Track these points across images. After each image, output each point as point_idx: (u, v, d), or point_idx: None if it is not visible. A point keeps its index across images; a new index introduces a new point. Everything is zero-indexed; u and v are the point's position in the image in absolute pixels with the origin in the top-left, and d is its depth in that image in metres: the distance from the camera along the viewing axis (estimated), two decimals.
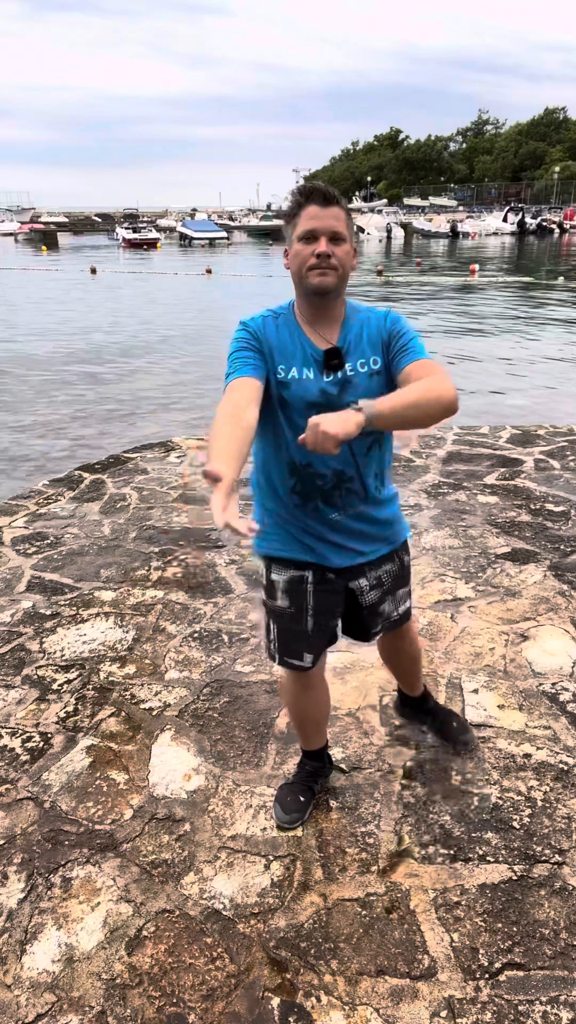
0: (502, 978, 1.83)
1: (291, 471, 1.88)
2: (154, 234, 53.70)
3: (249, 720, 2.75)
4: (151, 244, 50.15)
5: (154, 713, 2.80)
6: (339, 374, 1.81)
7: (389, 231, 59.03)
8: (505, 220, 63.28)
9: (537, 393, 10.14)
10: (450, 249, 46.70)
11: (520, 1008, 1.76)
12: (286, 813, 2.28)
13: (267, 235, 61.30)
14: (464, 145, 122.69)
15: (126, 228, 55.41)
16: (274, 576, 2.02)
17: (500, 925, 1.96)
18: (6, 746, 2.65)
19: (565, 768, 2.49)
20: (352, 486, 1.90)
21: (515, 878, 2.09)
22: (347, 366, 1.81)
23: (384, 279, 26.91)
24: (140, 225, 59.47)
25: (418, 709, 2.61)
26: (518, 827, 2.25)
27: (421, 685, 2.55)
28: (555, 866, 2.12)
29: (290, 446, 1.84)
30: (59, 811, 2.35)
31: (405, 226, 61.88)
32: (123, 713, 2.81)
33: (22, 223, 73.77)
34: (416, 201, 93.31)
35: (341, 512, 1.93)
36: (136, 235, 51.38)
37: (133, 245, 49.93)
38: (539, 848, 2.18)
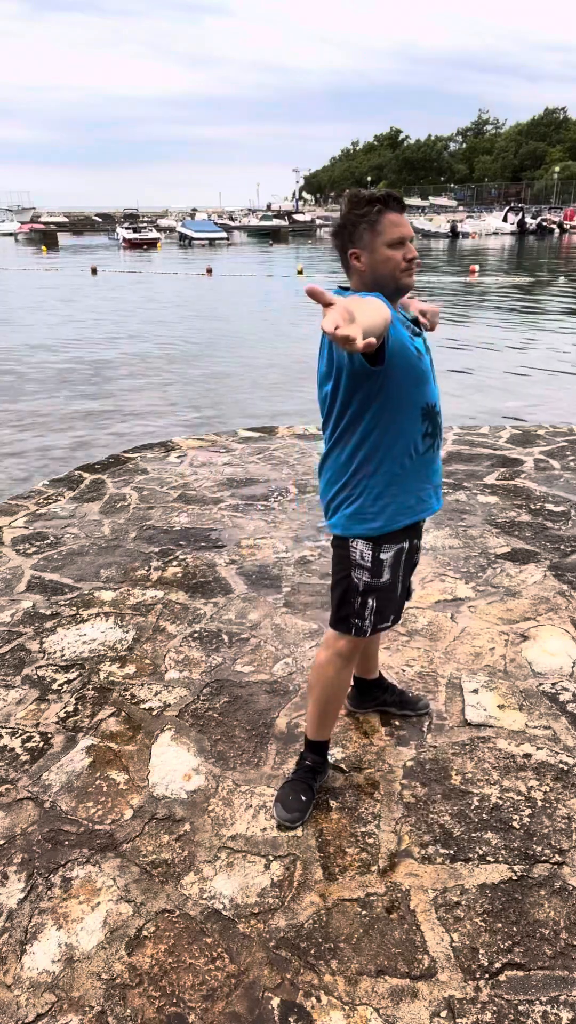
0: (502, 978, 1.83)
1: (424, 416, 2.06)
2: (154, 234, 53.72)
3: (249, 720, 2.75)
4: (151, 244, 50.17)
5: (154, 713, 2.80)
6: (421, 339, 2.08)
7: None
8: (505, 220, 63.29)
9: (537, 393, 10.15)
10: (450, 249, 46.71)
11: (520, 1008, 1.76)
12: (288, 812, 2.28)
13: (267, 235, 61.30)
14: (464, 145, 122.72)
15: (127, 228, 55.42)
16: (382, 555, 2.15)
17: (500, 925, 1.96)
18: (6, 746, 2.65)
19: (565, 768, 2.49)
20: (439, 416, 2.14)
21: (515, 878, 2.09)
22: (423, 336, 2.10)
23: None
24: (141, 225, 59.49)
25: (377, 687, 2.72)
26: (518, 827, 2.25)
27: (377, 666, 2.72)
28: (555, 866, 2.12)
29: (422, 392, 2.03)
30: (59, 811, 2.36)
31: None
32: (123, 713, 2.81)
33: (22, 223, 73.77)
34: (416, 201, 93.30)
35: (440, 447, 2.19)
36: (137, 235, 51.40)
37: (133, 245, 49.96)
38: (539, 848, 2.18)
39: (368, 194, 1.91)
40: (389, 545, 2.14)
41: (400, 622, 2.89)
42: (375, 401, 1.96)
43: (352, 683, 2.70)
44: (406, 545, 2.19)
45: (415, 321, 2.09)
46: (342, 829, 2.26)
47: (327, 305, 1.38)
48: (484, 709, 2.78)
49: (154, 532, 4.40)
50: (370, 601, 2.18)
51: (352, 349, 1.34)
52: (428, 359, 2.07)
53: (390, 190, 1.91)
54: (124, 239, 51.59)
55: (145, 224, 62.59)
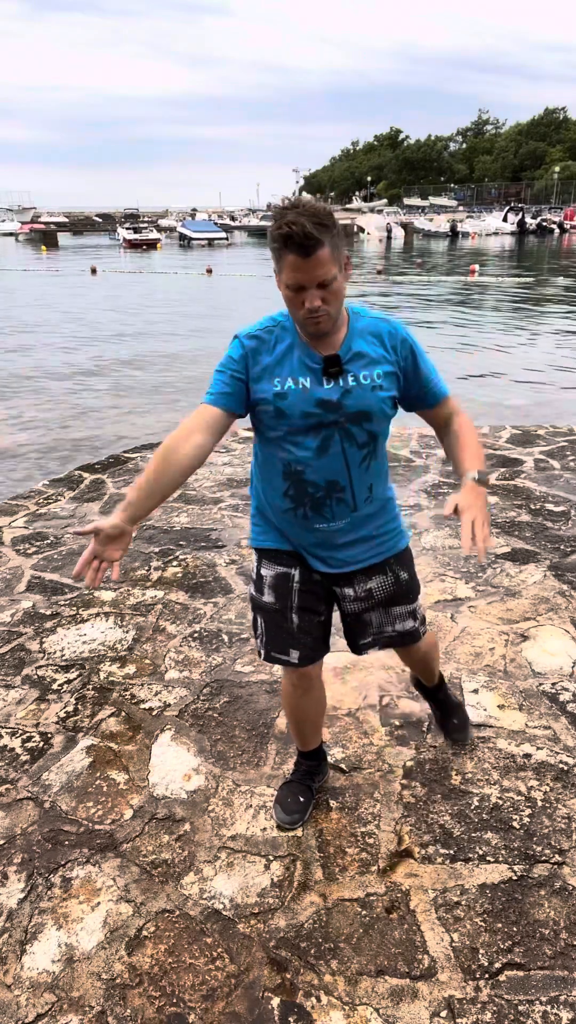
0: (502, 978, 1.83)
1: (284, 475, 1.89)
2: (155, 234, 53.70)
3: (249, 720, 2.75)
4: (151, 244, 50.16)
5: (154, 713, 2.80)
6: (340, 381, 1.79)
7: (389, 231, 59.03)
8: (505, 220, 63.29)
9: (537, 393, 10.15)
10: (450, 249, 46.72)
11: (520, 1008, 1.76)
12: (287, 813, 2.28)
13: (267, 234, 61.25)
14: (464, 145, 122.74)
15: (127, 228, 55.40)
16: (263, 571, 2.04)
17: (500, 925, 1.96)
18: (6, 746, 2.65)
19: (565, 768, 2.49)
20: (343, 496, 1.89)
21: (515, 878, 2.09)
22: (348, 375, 1.79)
23: (384, 279, 26.90)
24: (141, 225, 59.47)
25: (428, 696, 2.61)
26: (518, 827, 2.25)
27: (435, 677, 2.53)
28: (555, 866, 2.12)
29: (287, 453, 1.85)
30: (59, 811, 2.35)
31: (405, 226, 61.88)
32: (123, 713, 2.81)
33: (23, 223, 73.75)
34: (416, 201, 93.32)
35: (329, 522, 1.92)
36: (137, 235, 51.39)
37: (134, 245, 49.95)
38: (539, 848, 2.18)
39: (275, 224, 1.62)
40: (269, 563, 2.02)
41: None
42: (256, 426, 1.89)
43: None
44: (294, 573, 2.00)
45: (333, 361, 1.78)
46: (342, 829, 2.26)
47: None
48: (484, 709, 2.78)
49: (154, 532, 4.40)
50: (258, 619, 2.08)
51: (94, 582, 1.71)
52: (330, 417, 1.79)
53: (295, 224, 1.56)
54: (125, 239, 51.59)
55: (146, 224, 62.57)
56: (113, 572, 1.75)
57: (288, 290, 1.67)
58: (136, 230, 54.19)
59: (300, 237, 1.57)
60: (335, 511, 1.90)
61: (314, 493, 1.88)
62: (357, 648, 2.16)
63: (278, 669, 3.04)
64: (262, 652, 2.11)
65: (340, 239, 1.66)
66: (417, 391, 1.89)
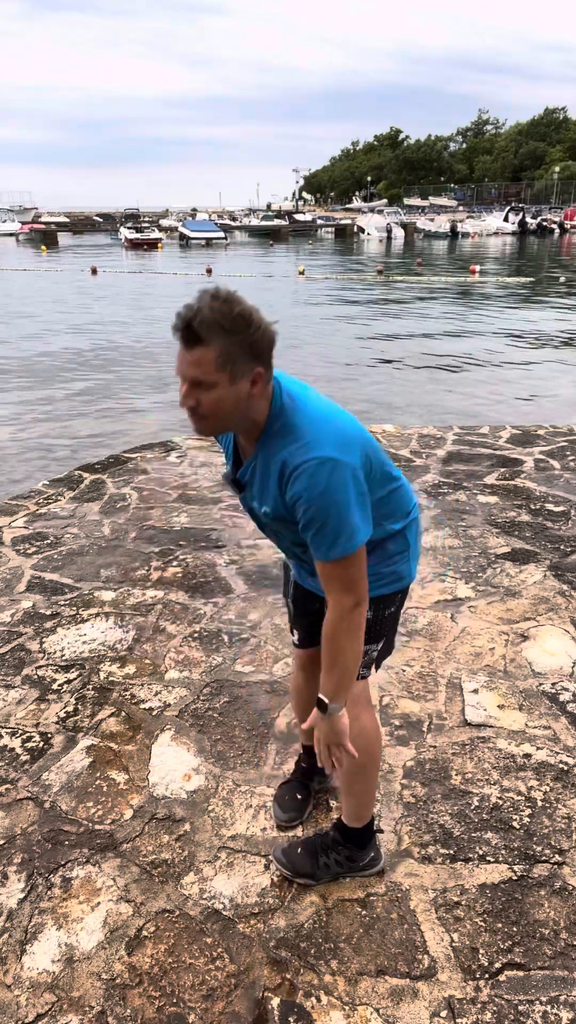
0: (502, 978, 1.83)
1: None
2: (156, 234, 53.71)
3: (249, 720, 2.75)
4: (152, 244, 50.16)
5: (154, 713, 2.80)
6: (245, 495, 1.72)
7: (389, 231, 59.05)
8: (506, 220, 63.31)
9: (537, 393, 10.15)
10: (450, 249, 46.71)
11: (520, 1008, 1.76)
12: (284, 812, 2.28)
13: (267, 235, 61.30)
14: (464, 145, 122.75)
15: (129, 228, 55.39)
16: (279, 554, 2.17)
17: (500, 925, 1.96)
18: (6, 746, 2.65)
19: (565, 768, 2.49)
20: (294, 561, 1.96)
21: (515, 878, 2.09)
22: (251, 499, 1.70)
23: (385, 279, 26.91)
24: (143, 225, 59.45)
25: (343, 837, 2.10)
26: (518, 827, 2.25)
27: (358, 816, 2.05)
28: (555, 866, 2.12)
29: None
30: (59, 811, 2.35)
31: (405, 226, 61.90)
32: (123, 713, 2.81)
33: (23, 223, 73.75)
34: (416, 201, 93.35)
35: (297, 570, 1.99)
36: (139, 235, 51.38)
37: (135, 245, 49.95)
38: (539, 848, 2.18)
39: (177, 316, 1.48)
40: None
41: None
42: None
43: None
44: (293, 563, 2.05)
45: (233, 481, 1.72)
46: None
47: None
48: (484, 709, 2.78)
49: (154, 532, 4.40)
50: None
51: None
52: (252, 513, 1.76)
53: (191, 313, 1.44)
54: (126, 239, 51.57)
55: (147, 224, 62.53)
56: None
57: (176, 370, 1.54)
58: (138, 230, 54.17)
59: (185, 329, 1.44)
60: (298, 570, 1.97)
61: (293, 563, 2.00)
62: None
63: (278, 669, 3.04)
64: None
65: (243, 351, 1.46)
66: (303, 531, 1.58)
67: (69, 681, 3.01)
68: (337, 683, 1.66)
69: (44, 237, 56.69)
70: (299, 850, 2.12)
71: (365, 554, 1.59)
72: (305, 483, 1.51)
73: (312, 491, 1.50)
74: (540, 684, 2.93)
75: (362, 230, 61.97)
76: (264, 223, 68.80)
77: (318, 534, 1.54)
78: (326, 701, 1.68)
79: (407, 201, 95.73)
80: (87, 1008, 1.78)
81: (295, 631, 2.20)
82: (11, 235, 67.53)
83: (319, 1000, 1.79)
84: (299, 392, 1.63)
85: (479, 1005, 1.77)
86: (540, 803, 2.34)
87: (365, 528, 1.57)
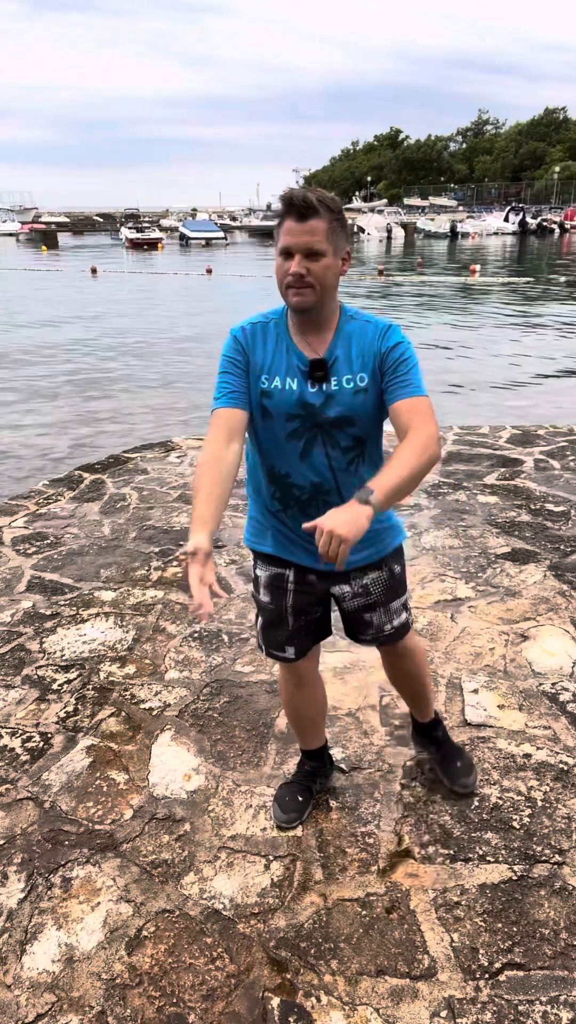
0: (502, 978, 1.83)
1: (271, 479, 1.90)
2: (157, 234, 53.71)
3: (249, 720, 2.75)
4: (152, 244, 50.15)
5: (154, 713, 2.80)
6: (323, 386, 1.77)
7: (389, 231, 59.05)
8: (507, 220, 63.29)
9: (537, 393, 10.15)
10: (450, 249, 46.72)
11: (520, 1008, 1.76)
12: (284, 812, 2.28)
13: (268, 235, 61.31)
14: (464, 145, 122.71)
15: (130, 228, 55.37)
16: (258, 571, 2.07)
17: (500, 925, 1.96)
18: (6, 746, 2.65)
19: (565, 768, 2.49)
20: (330, 499, 1.85)
21: (515, 878, 2.09)
22: (332, 380, 1.77)
23: (385, 279, 26.90)
24: (144, 225, 59.44)
25: (425, 736, 2.49)
26: (518, 827, 2.25)
27: (430, 711, 2.43)
28: (555, 866, 2.12)
29: (270, 455, 1.86)
30: (59, 811, 2.35)
31: (405, 226, 61.90)
32: (123, 713, 2.81)
33: (23, 223, 73.74)
34: (416, 201, 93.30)
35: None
36: (140, 235, 51.37)
37: (136, 245, 49.94)
38: (539, 848, 2.18)
39: (282, 194, 1.71)
40: (264, 564, 2.03)
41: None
42: (251, 429, 1.87)
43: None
44: (288, 573, 2.00)
45: (319, 365, 1.77)
46: (342, 829, 2.26)
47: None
48: (484, 709, 2.78)
49: (154, 532, 4.40)
50: (258, 617, 2.13)
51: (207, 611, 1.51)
52: (312, 421, 1.79)
53: (298, 191, 1.66)
54: (127, 239, 51.54)
55: (148, 224, 62.53)
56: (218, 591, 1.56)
57: (279, 256, 1.70)
58: (139, 230, 54.16)
59: (299, 202, 1.64)
60: (323, 511, 1.81)
61: (299, 496, 1.88)
62: (357, 640, 2.18)
63: (278, 669, 3.04)
64: (262, 648, 2.16)
65: (342, 228, 1.70)
66: (389, 376, 1.76)
67: (69, 681, 3.01)
68: (397, 486, 1.57)
69: (44, 237, 56.67)
70: (458, 764, 2.40)
71: None
72: (399, 334, 1.80)
73: (404, 340, 1.79)
74: (540, 684, 2.93)
75: (362, 230, 61.94)
76: (264, 223, 68.76)
77: (415, 372, 1.76)
78: (372, 490, 1.54)
79: (407, 201, 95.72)
80: (87, 1008, 1.78)
81: (290, 647, 2.09)
82: (11, 235, 67.53)
83: (319, 1000, 1.79)
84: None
85: (479, 1005, 1.77)
86: (540, 803, 2.34)
87: None
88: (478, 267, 30.38)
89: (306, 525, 1.54)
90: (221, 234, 55.45)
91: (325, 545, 1.47)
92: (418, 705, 2.41)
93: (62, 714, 2.81)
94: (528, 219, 61.85)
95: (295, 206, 1.64)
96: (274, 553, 2.00)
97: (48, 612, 3.54)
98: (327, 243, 1.66)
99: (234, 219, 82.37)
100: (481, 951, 1.89)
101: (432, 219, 68.14)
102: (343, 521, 1.47)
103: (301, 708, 2.26)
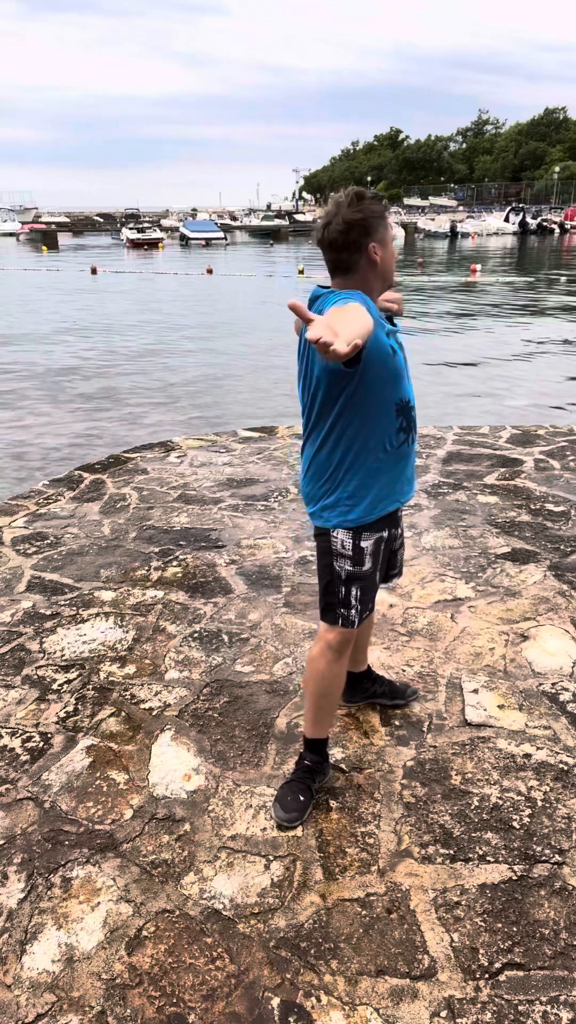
0: (502, 978, 1.83)
1: (399, 411, 2.10)
2: (158, 234, 53.69)
3: (249, 720, 2.75)
4: (153, 244, 50.13)
5: (154, 713, 2.80)
6: (390, 323, 2.12)
7: None
8: (507, 220, 63.29)
9: (537, 393, 10.15)
10: (450, 249, 46.72)
11: (520, 1008, 1.76)
12: (286, 812, 2.28)
13: (268, 235, 61.30)
14: (464, 145, 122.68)
15: (131, 228, 55.34)
16: (362, 543, 2.20)
17: (500, 925, 1.96)
18: (6, 746, 2.65)
19: (565, 768, 2.49)
20: (414, 410, 2.18)
21: (515, 878, 2.09)
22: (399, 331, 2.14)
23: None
24: (144, 225, 59.41)
25: (366, 680, 2.77)
26: (518, 827, 2.25)
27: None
28: (555, 866, 2.12)
29: (401, 388, 2.09)
30: (59, 811, 2.35)
31: (405, 226, 61.91)
32: (123, 713, 2.81)
33: (24, 223, 73.73)
34: (416, 201, 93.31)
35: (416, 440, 2.24)
36: (141, 235, 51.34)
37: (137, 245, 49.91)
38: (539, 848, 2.18)
39: (374, 192, 1.99)
40: (368, 534, 2.19)
41: (393, 621, 2.86)
42: (351, 399, 2.02)
43: None
44: (385, 534, 2.25)
45: (389, 317, 2.14)
46: (342, 829, 2.26)
47: (307, 321, 1.49)
48: (484, 709, 2.78)
49: (154, 532, 4.40)
50: (354, 590, 2.21)
51: (337, 359, 1.49)
52: (402, 356, 2.11)
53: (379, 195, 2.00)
54: (128, 239, 51.50)
55: (149, 224, 62.50)
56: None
57: (392, 244, 2.07)
58: (140, 230, 54.12)
59: (355, 198, 2.00)
60: (413, 428, 2.20)
61: (413, 415, 2.17)
62: (387, 579, 2.44)
63: (278, 669, 3.04)
64: (355, 620, 2.25)
65: (381, 221, 2.04)
66: None
67: (69, 681, 3.01)
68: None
69: (44, 237, 56.66)
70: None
71: None
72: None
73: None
74: (540, 684, 2.93)
75: None
76: (265, 223, 68.80)
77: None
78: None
79: (407, 201, 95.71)
80: (87, 1008, 1.78)
81: (369, 606, 2.31)
82: (11, 235, 67.53)
83: (319, 1000, 1.79)
84: None
85: (479, 1005, 1.77)
86: (540, 803, 2.34)
87: None
88: (479, 267, 30.38)
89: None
90: (221, 234, 55.40)
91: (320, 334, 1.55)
92: (362, 654, 2.73)
93: (62, 714, 2.81)
94: (528, 219, 61.84)
95: (358, 199, 1.99)
96: (385, 512, 2.21)
97: (48, 612, 3.54)
98: (385, 234, 2.05)
99: (234, 219, 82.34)
100: (481, 951, 1.89)
101: (432, 219, 68.12)
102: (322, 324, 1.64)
103: (342, 679, 2.36)
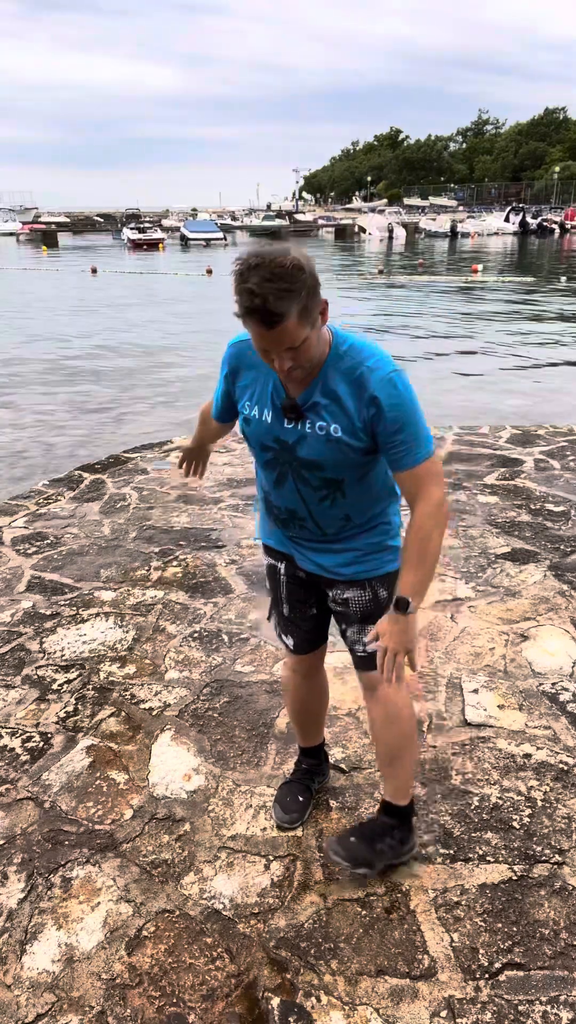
0: (502, 978, 1.83)
1: (259, 487, 1.97)
2: (159, 234, 53.66)
3: (249, 720, 2.75)
4: (154, 244, 50.11)
5: (154, 713, 2.80)
6: (298, 425, 1.72)
7: (390, 231, 59.09)
8: (507, 220, 63.31)
9: (537, 393, 10.15)
10: (451, 249, 46.72)
11: (520, 1008, 1.76)
12: (286, 813, 2.28)
13: (268, 235, 61.34)
14: (464, 145, 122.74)
15: (132, 229, 55.29)
16: (263, 559, 2.15)
17: (500, 925, 1.96)
18: (6, 746, 2.65)
19: (565, 768, 2.49)
20: (305, 524, 1.86)
21: (515, 878, 2.09)
22: (307, 421, 1.71)
23: (385, 278, 26.90)
24: (145, 225, 59.36)
25: (395, 817, 2.10)
26: (518, 827, 2.25)
27: (402, 795, 2.07)
28: (555, 866, 2.12)
29: (256, 469, 1.93)
30: (59, 811, 2.35)
31: (406, 226, 61.95)
32: (123, 713, 2.81)
33: (24, 223, 73.71)
34: (416, 201, 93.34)
35: (299, 538, 1.94)
36: (142, 235, 51.30)
37: (137, 245, 49.88)
38: (539, 848, 2.18)
39: (237, 290, 1.49)
40: (265, 554, 2.11)
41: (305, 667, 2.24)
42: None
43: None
44: (280, 566, 2.04)
45: (291, 408, 1.71)
46: (342, 829, 2.26)
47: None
48: (484, 709, 2.78)
49: (154, 532, 4.40)
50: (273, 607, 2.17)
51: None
52: (284, 456, 1.76)
53: (258, 299, 1.45)
54: (129, 239, 51.46)
55: (150, 224, 62.45)
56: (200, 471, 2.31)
57: (260, 351, 1.62)
58: (141, 230, 54.07)
59: (262, 313, 1.47)
60: (299, 534, 1.92)
61: (278, 515, 1.92)
62: (351, 652, 2.07)
63: (278, 669, 3.04)
64: (284, 643, 2.21)
65: (311, 295, 1.51)
66: (384, 447, 1.69)
67: (69, 681, 3.01)
68: (423, 579, 1.71)
69: (44, 237, 56.63)
70: (353, 839, 2.06)
71: None
72: (394, 390, 1.63)
73: (402, 397, 1.64)
74: (540, 684, 2.93)
75: (363, 230, 61.98)
76: (265, 223, 68.78)
77: (412, 436, 1.67)
78: (407, 599, 1.68)
79: (407, 201, 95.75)
80: (87, 1008, 1.78)
81: (288, 636, 2.14)
82: (11, 235, 67.51)
83: (319, 1000, 1.79)
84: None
85: (479, 1005, 1.77)
86: (540, 803, 2.34)
87: None
88: (480, 267, 30.38)
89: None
90: (220, 235, 55.35)
91: (389, 666, 1.67)
92: (388, 779, 2.10)
93: (62, 714, 2.81)
94: (528, 219, 61.86)
95: (257, 315, 1.47)
96: (270, 544, 2.07)
97: (48, 612, 3.54)
98: (303, 330, 1.52)
99: (235, 219, 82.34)
100: (481, 951, 1.89)
101: (434, 219, 68.15)
102: (395, 638, 1.68)
103: (303, 701, 2.27)
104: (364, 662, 1.96)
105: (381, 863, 2.06)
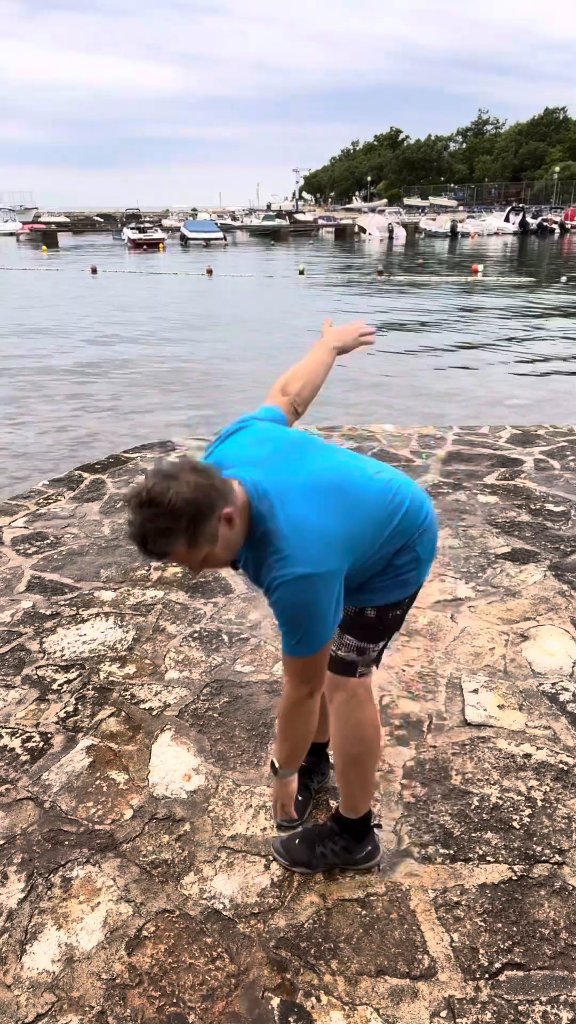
0: (502, 978, 1.83)
1: None
2: (160, 234, 53.66)
3: (249, 720, 2.75)
4: (154, 245, 50.11)
5: (154, 713, 2.80)
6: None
7: (391, 231, 59.13)
8: (507, 220, 63.34)
9: (537, 393, 10.15)
10: (451, 249, 46.73)
11: (520, 1008, 1.76)
12: None
13: (268, 235, 61.33)
14: (464, 145, 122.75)
15: (132, 229, 55.29)
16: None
17: (500, 925, 1.96)
18: (6, 746, 2.65)
19: (565, 768, 2.49)
20: None
21: (515, 878, 2.09)
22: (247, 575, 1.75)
23: (385, 278, 26.91)
24: (146, 225, 59.36)
25: (341, 825, 2.10)
26: (518, 827, 2.25)
27: (356, 807, 2.06)
28: (555, 866, 2.12)
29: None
30: (59, 811, 2.36)
31: (406, 226, 61.98)
32: (123, 713, 2.81)
33: (24, 223, 73.72)
34: (416, 201, 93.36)
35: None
36: (142, 235, 51.30)
37: (138, 245, 49.89)
38: (539, 848, 2.18)
39: (130, 516, 1.51)
40: None
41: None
42: None
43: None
44: None
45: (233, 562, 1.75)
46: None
47: None
48: (484, 709, 2.78)
49: None
50: None
51: None
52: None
53: (145, 542, 1.49)
54: (130, 239, 51.45)
55: (150, 224, 62.44)
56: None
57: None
58: (142, 230, 54.07)
59: (145, 551, 1.52)
60: None
61: None
62: None
63: (278, 669, 3.04)
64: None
65: (199, 523, 1.48)
66: None
67: (69, 681, 3.01)
68: (288, 755, 1.84)
69: (44, 237, 56.64)
70: (296, 840, 2.15)
71: (327, 651, 1.70)
72: (281, 595, 1.60)
73: (286, 602, 1.60)
74: (540, 684, 2.93)
75: (363, 230, 62.01)
76: (265, 223, 68.78)
77: (287, 634, 1.65)
78: (277, 767, 1.86)
79: (407, 201, 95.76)
80: (87, 1008, 1.78)
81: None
82: (12, 235, 67.53)
83: (319, 1000, 1.79)
84: (279, 490, 1.61)
85: (479, 1005, 1.77)
86: (540, 803, 2.34)
87: (331, 632, 1.66)
88: (480, 267, 30.39)
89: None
90: (220, 235, 55.34)
91: (278, 813, 1.93)
92: (340, 788, 2.10)
93: (62, 714, 2.81)
94: (528, 219, 61.89)
95: (141, 549, 1.51)
96: None
97: (48, 612, 3.54)
98: (197, 552, 1.53)
99: (235, 219, 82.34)
100: (481, 951, 1.89)
101: (434, 219, 68.16)
102: (273, 793, 1.92)
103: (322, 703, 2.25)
104: (335, 662, 1.91)
105: (320, 866, 2.12)
